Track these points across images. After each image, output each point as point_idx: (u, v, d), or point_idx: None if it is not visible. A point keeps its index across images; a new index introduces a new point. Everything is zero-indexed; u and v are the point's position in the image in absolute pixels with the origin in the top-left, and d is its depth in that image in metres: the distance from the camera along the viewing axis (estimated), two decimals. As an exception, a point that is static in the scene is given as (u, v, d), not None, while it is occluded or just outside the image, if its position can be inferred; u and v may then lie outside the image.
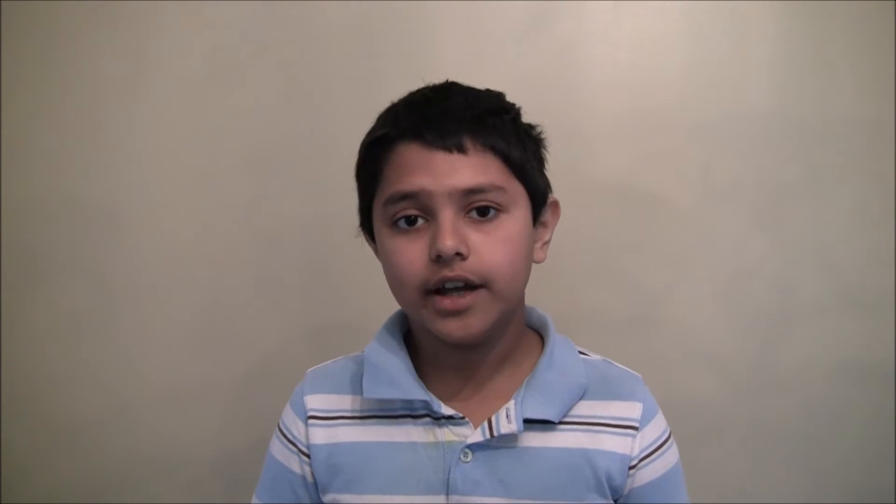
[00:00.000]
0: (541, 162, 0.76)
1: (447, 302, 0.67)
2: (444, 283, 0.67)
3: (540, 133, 0.76)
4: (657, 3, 1.07)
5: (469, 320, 0.68)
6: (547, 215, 0.77)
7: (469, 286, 0.67)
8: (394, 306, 0.81)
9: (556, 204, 0.78)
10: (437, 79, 0.76)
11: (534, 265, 0.75)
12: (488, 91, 0.75)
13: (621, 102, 1.08)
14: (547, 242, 0.78)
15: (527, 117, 0.76)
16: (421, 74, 0.76)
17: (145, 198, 1.07)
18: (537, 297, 0.84)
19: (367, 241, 0.79)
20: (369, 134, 0.74)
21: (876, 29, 1.07)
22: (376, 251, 0.77)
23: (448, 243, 0.65)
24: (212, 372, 1.08)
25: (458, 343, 0.70)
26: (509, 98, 0.76)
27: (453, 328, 0.68)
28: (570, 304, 1.08)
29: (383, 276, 0.84)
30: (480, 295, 0.68)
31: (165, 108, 1.07)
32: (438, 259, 0.66)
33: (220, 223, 1.08)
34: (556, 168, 0.80)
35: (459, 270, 0.67)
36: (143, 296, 1.08)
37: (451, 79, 0.75)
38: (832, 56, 1.07)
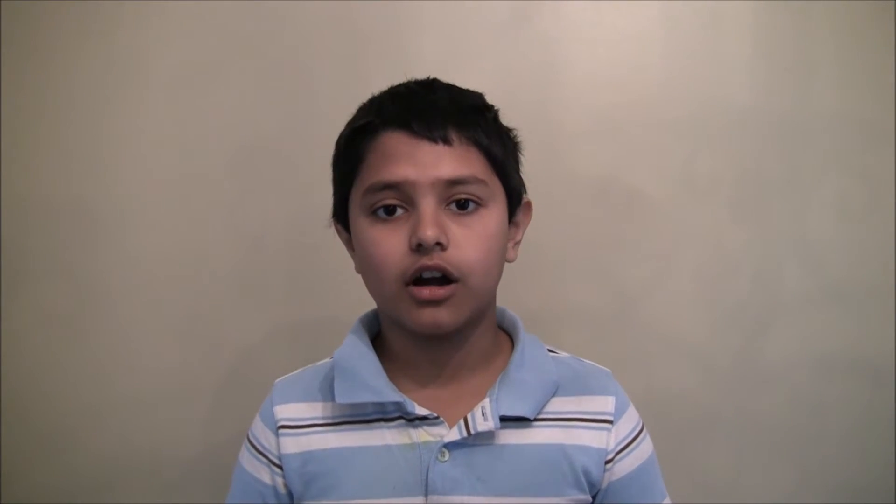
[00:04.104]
0: (518, 163, 0.78)
1: (426, 291, 0.68)
2: (422, 273, 0.68)
3: (516, 136, 0.78)
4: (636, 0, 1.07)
5: (442, 312, 0.69)
6: (520, 216, 0.78)
7: (446, 279, 0.68)
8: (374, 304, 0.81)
9: (528, 205, 0.79)
10: (420, 76, 0.77)
11: (511, 265, 0.77)
12: (469, 90, 0.77)
13: (601, 98, 1.08)
14: (518, 242, 0.79)
15: (507, 114, 0.77)
16: (403, 72, 0.77)
17: (128, 198, 1.06)
18: (519, 294, 0.84)
19: (340, 231, 0.79)
20: (350, 123, 0.75)
21: (855, 24, 1.07)
22: (347, 243, 0.78)
23: (429, 232, 0.66)
24: (195, 372, 1.08)
25: (427, 334, 0.71)
26: (491, 94, 0.77)
27: (426, 317, 0.69)
28: (551, 300, 1.08)
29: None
30: (457, 289, 0.69)
31: (148, 109, 1.06)
32: (419, 248, 0.67)
33: (205, 223, 1.07)
34: (537, 164, 0.81)
35: (439, 260, 0.67)
36: (125, 297, 1.07)
37: (434, 76, 0.77)
38: (811, 51, 1.08)
